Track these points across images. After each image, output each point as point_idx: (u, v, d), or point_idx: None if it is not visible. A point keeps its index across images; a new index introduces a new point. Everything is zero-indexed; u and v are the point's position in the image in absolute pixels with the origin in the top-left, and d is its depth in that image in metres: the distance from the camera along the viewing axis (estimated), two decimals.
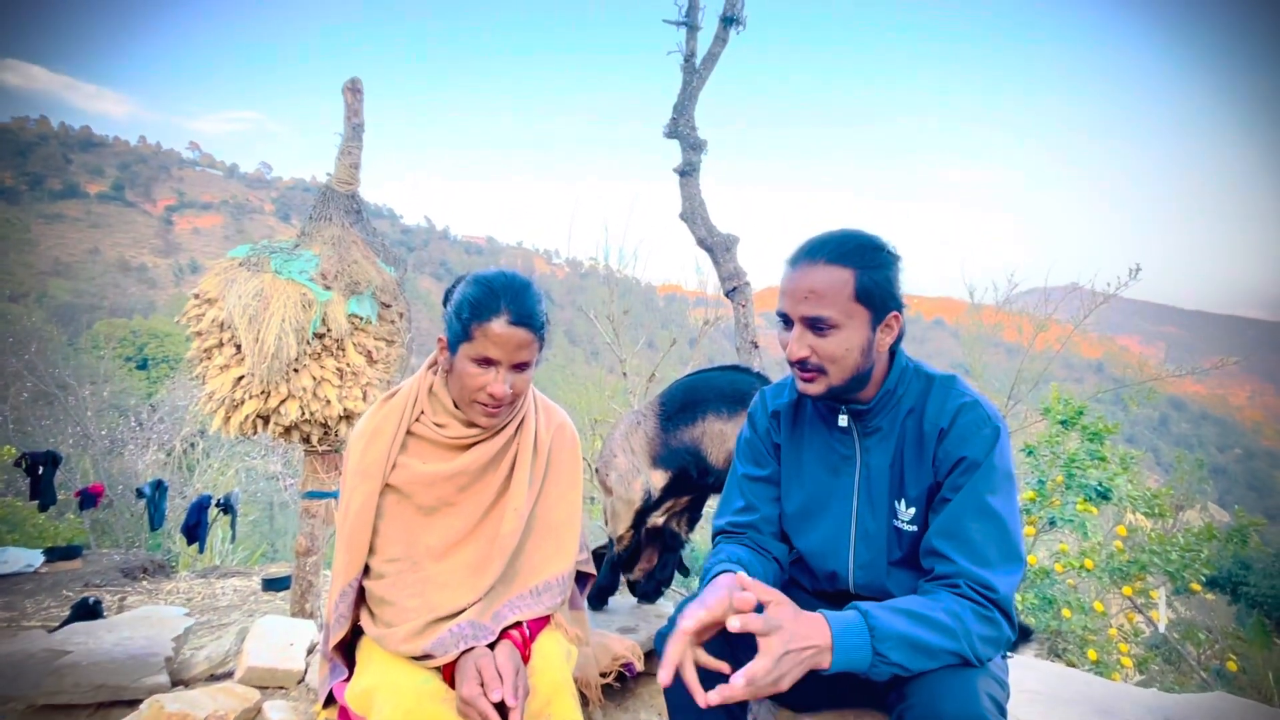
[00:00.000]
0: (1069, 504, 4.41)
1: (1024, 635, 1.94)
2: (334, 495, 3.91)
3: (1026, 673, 1.68)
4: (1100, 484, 4.38)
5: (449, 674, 1.19)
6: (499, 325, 1.22)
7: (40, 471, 6.24)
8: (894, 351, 1.28)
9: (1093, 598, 4.61)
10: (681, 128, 5.18)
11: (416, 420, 1.34)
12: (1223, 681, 4.44)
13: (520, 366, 1.27)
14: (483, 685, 1.10)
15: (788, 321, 1.24)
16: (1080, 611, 4.37)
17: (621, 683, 1.55)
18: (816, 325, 1.20)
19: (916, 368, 1.30)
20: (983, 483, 1.15)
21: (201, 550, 6.64)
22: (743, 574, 1.07)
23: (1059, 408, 4.94)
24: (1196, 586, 4.26)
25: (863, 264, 1.19)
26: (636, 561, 1.79)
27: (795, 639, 0.98)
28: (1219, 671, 4.66)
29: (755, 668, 0.96)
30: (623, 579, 1.91)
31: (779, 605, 1.02)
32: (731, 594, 1.03)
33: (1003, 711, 1.06)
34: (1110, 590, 4.58)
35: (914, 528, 1.24)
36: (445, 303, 1.34)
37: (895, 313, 1.23)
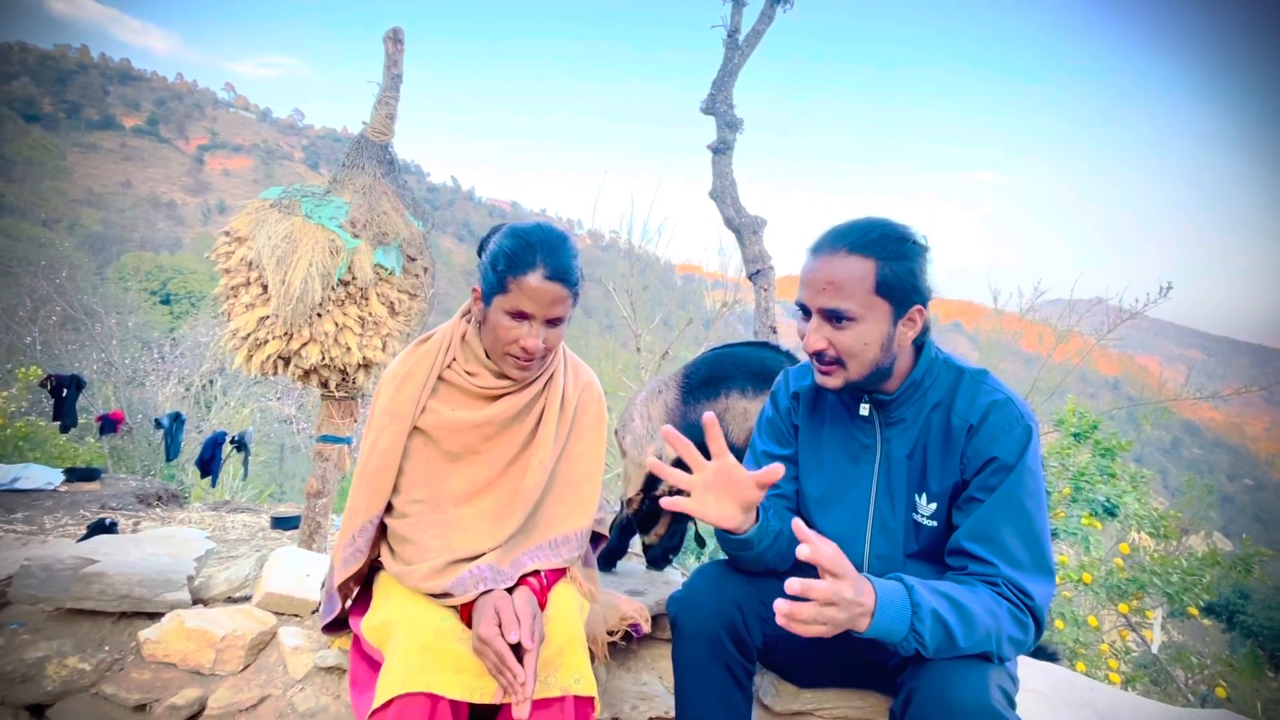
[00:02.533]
0: (1074, 517, 4.39)
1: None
2: (347, 441, 3.98)
3: (1031, 673, 1.69)
4: (1108, 500, 4.36)
5: (465, 614, 1.22)
6: (535, 279, 1.22)
7: (64, 394, 6.39)
8: (921, 344, 1.24)
9: (1087, 612, 4.62)
10: (719, 104, 5.11)
11: (448, 367, 1.35)
12: (1209, 707, 4.45)
13: (554, 321, 1.27)
14: (500, 626, 1.12)
15: (806, 312, 1.21)
16: (1073, 624, 4.38)
17: (627, 642, 1.58)
18: (834, 317, 1.17)
19: (946, 360, 1.26)
20: (1016, 485, 1.13)
21: (214, 484, 6.81)
22: (798, 521, 1.03)
23: (1073, 420, 4.90)
24: (1194, 611, 4.24)
25: (886, 255, 1.15)
26: (653, 525, 1.82)
27: (851, 590, 0.97)
28: (1205, 697, 4.67)
29: (815, 584, 0.95)
30: (636, 545, 1.94)
31: (840, 555, 1.00)
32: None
33: (1012, 704, 1.06)
34: (1105, 606, 4.58)
35: (934, 523, 1.21)
36: (480, 253, 1.34)
37: (919, 306, 1.18)
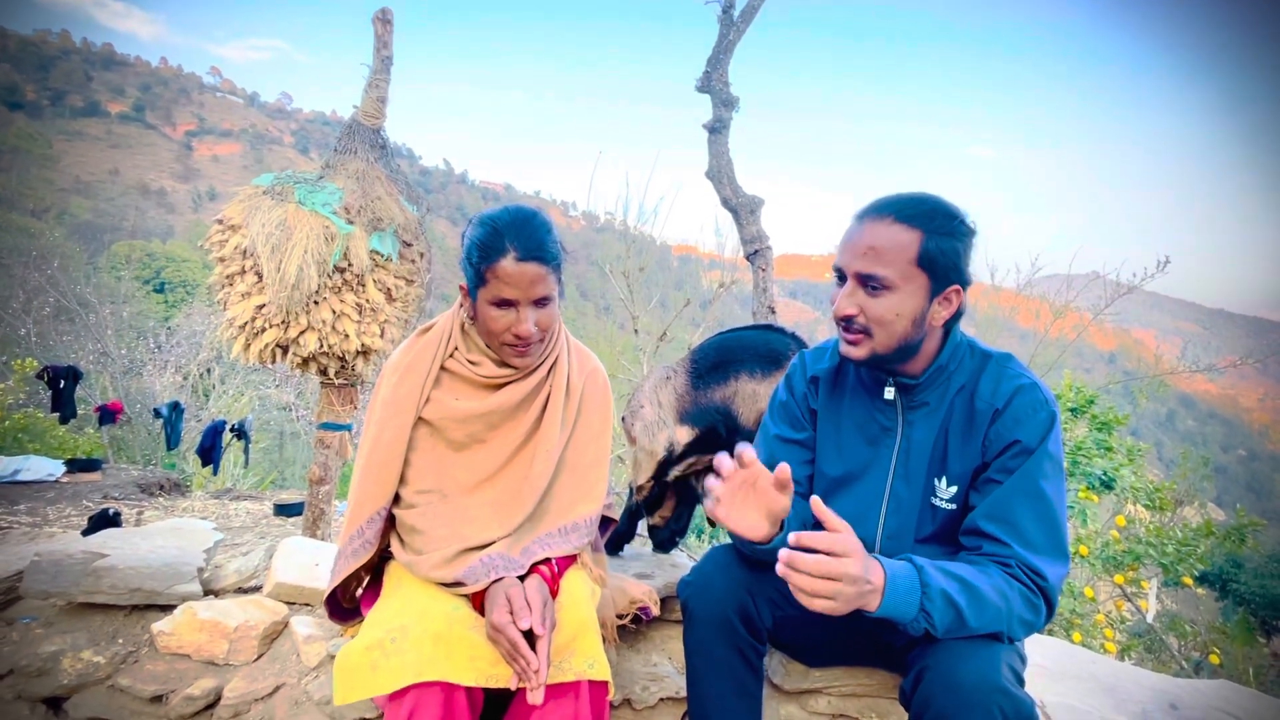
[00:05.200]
0: (1071, 491, 4.43)
1: None
2: (348, 428, 3.98)
3: (1033, 647, 1.71)
4: (1105, 473, 4.39)
5: (477, 602, 1.22)
6: (508, 264, 1.19)
7: (61, 385, 6.37)
8: (950, 328, 1.22)
9: (1083, 583, 4.68)
10: (714, 82, 5.04)
11: (450, 356, 1.34)
12: (1202, 673, 4.54)
13: (541, 302, 1.24)
14: (511, 614, 1.13)
15: (842, 277, 1.19)
16: (1069, 595, 4.44)
17: (636, 625, 1.60)
18: (870, 283, 1.14)
19: (971, 344, 1.25)
20: (1035, 468, 1.13)
21: (215, 472, 6.82)
22: (817, 500, 1.03)
23: (1070, 395, 4.92)
24: (1189, 580, 4.31)
25: (933, 228, 1.13)
26: (658, 508, 1.83)
27: (859, 567, 0.98)
28: (1199, 664, 4.76)
29: (822, 538, 0.97)
30: (643, 529, 1.96)
31: (851, 534, 1.01)
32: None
33: (1021, 682, 1.07)
34: (1102, 577, 4.64)
35: (953, 506, 1.21)
36: (462, 246, 1.32)
37: (957, 287, 1.16)
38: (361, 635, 1.16)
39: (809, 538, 0.98)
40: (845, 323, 1.19)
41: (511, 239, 1.20)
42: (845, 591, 0.96)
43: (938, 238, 1.13)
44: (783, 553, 0.99)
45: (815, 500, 1.01)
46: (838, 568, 0.96)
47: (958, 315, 1.20)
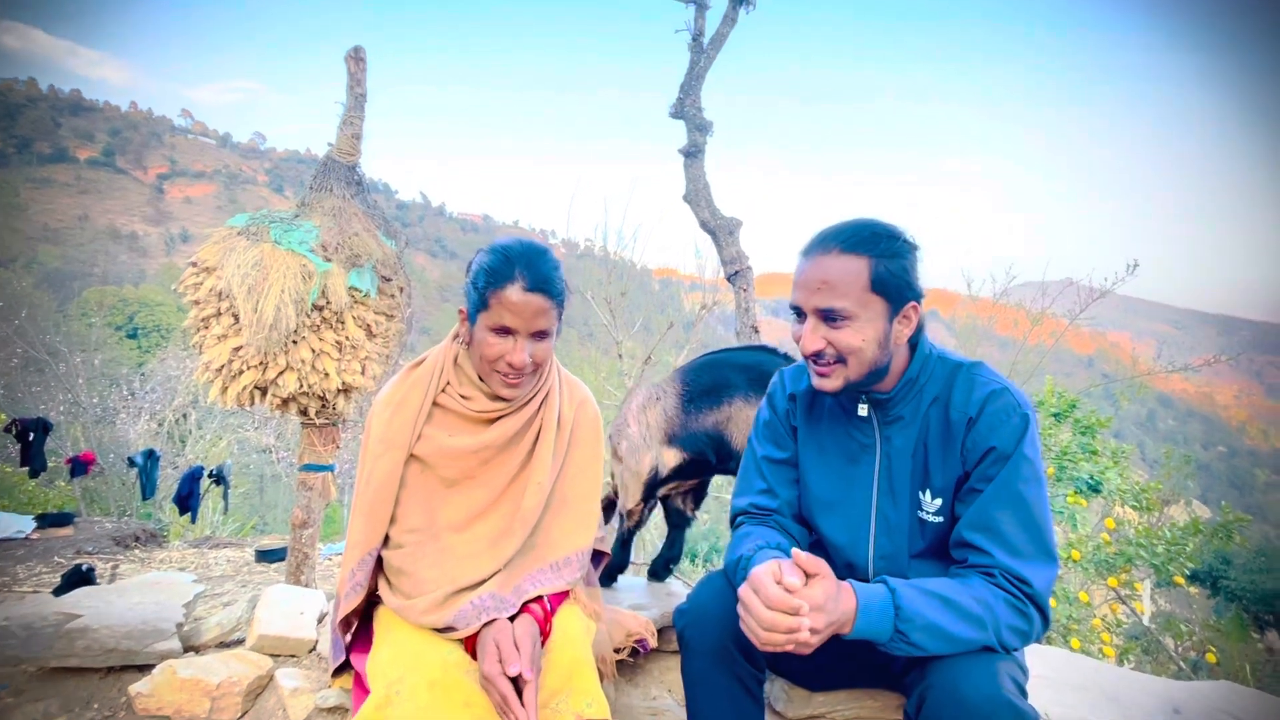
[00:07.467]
0: (1059, 496, 4.46)
1: None
2: (331, 468, 3.90)
3: (1035, 658, 1.69)
4: (1091, 477, 4.43)
5: (470, 645, 1.19)
6: (515, 292, 1.20)
7: (31, 438, 6.19)
8: (916, 341, 1.24)
9: (1077, 588, 4.69)
10: (688, 108, 5.13)
11: (442, 391, 1.32)
12: (1200, 672, 4.55)
13: (539, 335, 1.25)
14: (501, 660, 1.10)
15: (800, 314, 1.21)
16: (1065, 601, 4.45)
17: (634, 658, 1.56)
18: (830, 317, 1.16)
19: (941, 355, 1.26)
20: (1013, 473, 1.13)
21: (194, 520, 6.64)
22: (796, 549, 1.08)
23: (1053, 400, 4.98)
24: (1180, 580, 4.33)
25: (878, 253, 1.15)
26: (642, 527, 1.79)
27: (829, 602, 1.02)
28: (1195, 663, 4.76)
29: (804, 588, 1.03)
30: (638, 558, 1.92)
31: (825, 578, 1.05)
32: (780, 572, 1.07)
33: (1023, 693, 1.06)
34: (1095, 581, 4.66)
35: (940, 519, 1.21)
36: (468, 274, 1.33)
37: (913, 303, 1.19)
38: (371, 696, 1.13)
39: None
40: (815, 357, 1.20)
41: (522, 268, 1.21)
42: (797, 638, 1.01)
43: (885, 260, 1.16)
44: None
45: (795, 553, 1.06)
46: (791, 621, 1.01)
47: (919, 329, 1.23)
